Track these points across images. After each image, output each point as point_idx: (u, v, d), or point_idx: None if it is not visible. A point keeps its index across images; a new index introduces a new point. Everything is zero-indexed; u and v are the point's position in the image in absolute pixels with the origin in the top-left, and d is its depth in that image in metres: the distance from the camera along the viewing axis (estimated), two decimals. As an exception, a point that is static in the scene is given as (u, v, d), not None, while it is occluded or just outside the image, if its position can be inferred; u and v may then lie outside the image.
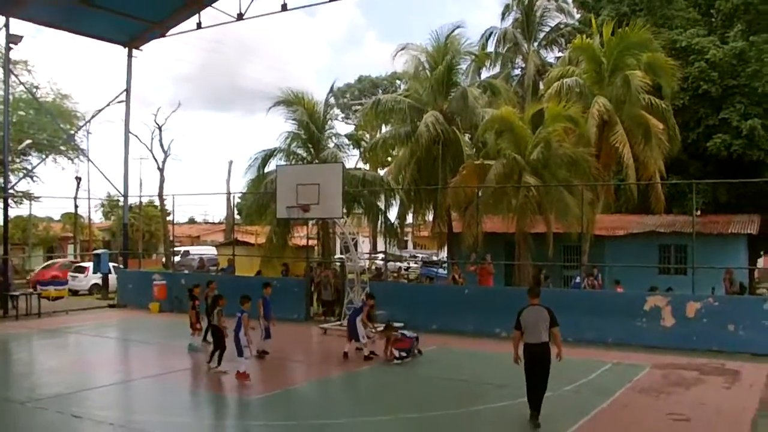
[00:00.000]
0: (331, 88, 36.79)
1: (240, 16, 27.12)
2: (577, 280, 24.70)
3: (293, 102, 31.40)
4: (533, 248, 25.87)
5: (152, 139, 56.74)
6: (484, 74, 40.43)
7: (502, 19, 44.62)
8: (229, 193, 54.12)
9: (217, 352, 15.30)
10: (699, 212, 30.61)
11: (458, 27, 32.22)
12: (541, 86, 36.35)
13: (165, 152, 56.82)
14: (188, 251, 48.59)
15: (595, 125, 25.45)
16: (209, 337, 16.57)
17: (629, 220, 31.67)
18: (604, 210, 29.55)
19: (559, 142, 25.30)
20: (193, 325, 18.35)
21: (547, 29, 44.90)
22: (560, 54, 41.46)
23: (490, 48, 43.20)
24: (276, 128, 48.62)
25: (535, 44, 44.21)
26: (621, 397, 12.98)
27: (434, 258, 49.68)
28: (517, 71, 44.44)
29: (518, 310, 11.32)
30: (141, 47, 31.05)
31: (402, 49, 33.00)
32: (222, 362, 15.13)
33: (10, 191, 30.30)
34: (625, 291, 22.67)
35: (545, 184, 24.46)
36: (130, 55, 30.92)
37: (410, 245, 62.81)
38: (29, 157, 39.27)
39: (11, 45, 27.59)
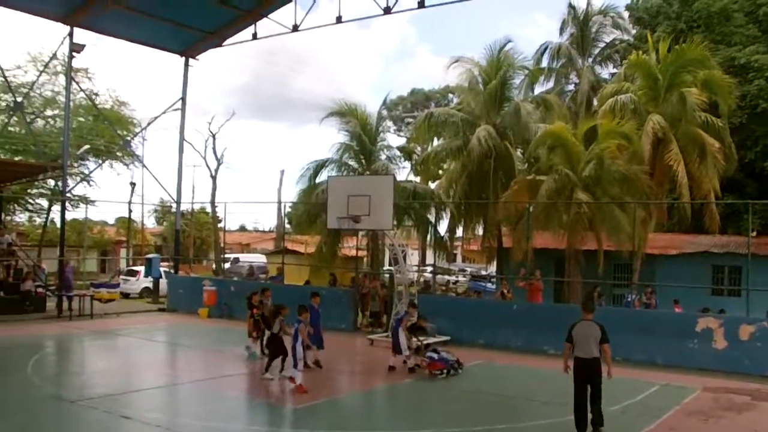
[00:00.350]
0: (385, 100, 37.12)
1: (295, 28, 27.38)
2: (629, 298, 24.35)
3: (346, 113, 31.63)
4: (583, 265, 25.62)
5: (206, 146, 57.80)
6: (538, 89, 40.34)
7: (560, 33, 44.33)
8: (280, 202, 54.74)
9: (275, 360, 15.17)
10: (755, 233, 29.96)
11: (509, 41, 32.34)
12: (595, 102, 36.12)
13: (218, 160, 57.84)
14: (238, 258, 49.13)
15: (649, 142, 25.20)
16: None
17: (682, 240, 31.17)
18: (656, 228, 29.16)
19: (612, 159, 25.09)
20: (250, 334, 18.07)
21: (602, 45, 44.42)
22: (615, 70, 41.19)
23: (544, 63, 42.99)
24: (325, 139, 49.28)
25: (590, 60, 43.79)
26: (668, 419, 12.65)
27: (483, 272, 49.48)
28: (571, 87, 44.03)
29: (570, 324, 11.36)
30: (197, 56, 31.49)
31: (456, 61, 33.11)
32: (270, 370, 15.22)
33: (68, 194, 30.96)
34: (679, 311, 22.31)
35: (597, 200, 24.23)
36: (186, 64, 31.36)
37: (459, 259, 62.65)
38: (87, 162, 40.16)
39: (73, 54, 28.29)
